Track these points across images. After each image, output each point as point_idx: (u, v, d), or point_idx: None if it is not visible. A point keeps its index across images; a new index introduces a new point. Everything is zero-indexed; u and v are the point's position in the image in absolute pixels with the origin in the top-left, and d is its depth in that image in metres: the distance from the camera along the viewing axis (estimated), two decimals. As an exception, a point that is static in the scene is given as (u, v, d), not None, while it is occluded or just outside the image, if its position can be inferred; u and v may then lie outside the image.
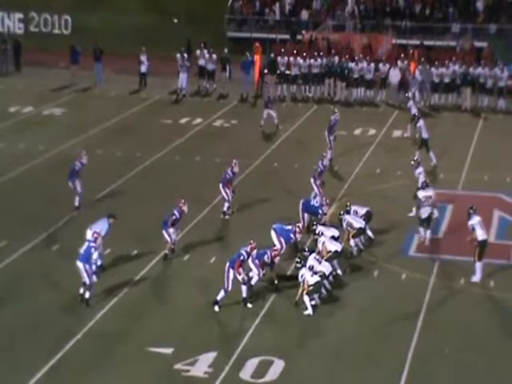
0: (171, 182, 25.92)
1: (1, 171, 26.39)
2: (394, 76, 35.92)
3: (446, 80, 35.73)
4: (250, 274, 18.53)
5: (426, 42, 40.13)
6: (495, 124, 33.36)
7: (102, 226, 19.64)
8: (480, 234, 19.54)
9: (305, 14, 43.82)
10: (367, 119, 33.18)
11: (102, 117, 32.82)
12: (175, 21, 45.16)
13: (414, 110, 30.10)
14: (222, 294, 18.17)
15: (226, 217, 23.20)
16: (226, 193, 23.01)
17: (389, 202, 24.17)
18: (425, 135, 27.72)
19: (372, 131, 31.78)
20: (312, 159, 26.31)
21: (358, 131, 31.64)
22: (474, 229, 19.58)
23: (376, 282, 19.75)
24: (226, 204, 23.16)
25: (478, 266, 19.62)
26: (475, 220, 19.63)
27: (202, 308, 18.33)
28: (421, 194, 21.67)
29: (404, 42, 40.65)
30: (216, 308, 18.12)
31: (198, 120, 33.00)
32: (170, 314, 18.16)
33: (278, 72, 36.93)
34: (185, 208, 20.60)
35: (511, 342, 17.39)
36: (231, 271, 18.13)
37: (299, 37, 41.34)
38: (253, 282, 18.54)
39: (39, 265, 20.28)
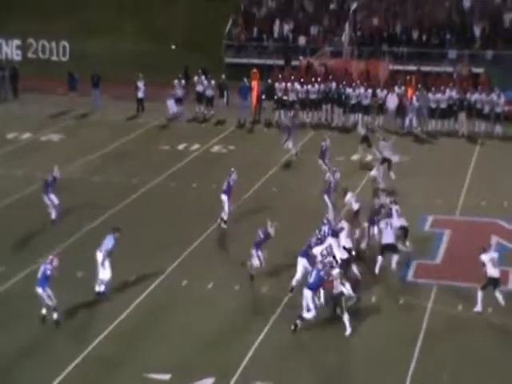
0: (168, 208, 26.10)
1: (-2, 197, 26.59)
2: (392, 102, 36.28)
3: (443, 106, 36.09)
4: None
5: (423, 68, 40.53)
6: (492, 150, 33.64)
7: (108, 242, 19.91)
8: (489, 271, 19.57)
9: (302, 40, 44.27)
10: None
11: (99, 143, 33.07)
12: (173, 47, 45.58)
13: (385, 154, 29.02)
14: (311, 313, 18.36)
15: (224, 226, 23.88)
16: (228, 203, 24.01)
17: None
18: (387, 155, 28.38)
19: (369, 156, 32.01)
20: (309, 184, 26.56)
21: (355, 156, 31.87)
22: (484, 264, 19.65)
23: (374, 306, 19.86)
24: (226, 213, 23.98)
25: (480, 295, 19.69)
26: (488, 256, 19.64)
27: (201, 333, 18.43)
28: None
29: (401, 67, 41.02)
30: (296, 324, 18.26)
31: (196, 146, 33.25)
32: (169, 339, 18.24)
33: (276, 98, 37.28)
34: (271, 230, 20.81)
35: (510, 368, 17.50)
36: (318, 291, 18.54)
37: (296, 62, 41.73)
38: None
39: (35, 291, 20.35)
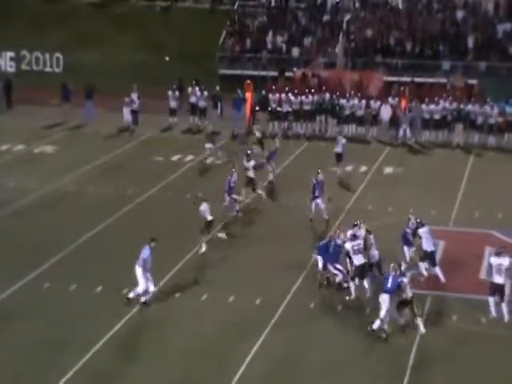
0: (163, 218, 26.10)
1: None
2: (385, 113, 36.40)
3: (437, 117, 36.22)
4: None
5: (417, 79, 40.67)
6: (485, 161, 33.75)
7: (144, 253, 20.11)
8: (494, 276, 19.74)
9: (296, 51, 44.41)
10: (358, 156, 33.52)
11: (93, 154, 33.07)
12: (167, 58, 45.67)
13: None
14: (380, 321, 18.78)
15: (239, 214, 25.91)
16: (233, 199, 25.81)
17: (380, 240, 24.33)
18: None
19: (363, 168, 32.09)
20: (302, 196, 26.59)
21: (349, 167, 31.93)
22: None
23: (368, 318, 19.88)
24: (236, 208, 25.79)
25: (490, 300, 19.89)
26: (495, 261, 19.78)
27: (193, 349, 18.42)
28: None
29: (395, 79, 41.14)
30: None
31: (190, 157, 33.29)
32: (159, 356, 18.22)
33: (270, 109, 37.36)
34: (338, 240, 21.03)
35: (503, 379, 17.52)
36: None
37: (289, 74, 41.85)
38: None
39: (29, 302, 20.32)
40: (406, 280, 19.03)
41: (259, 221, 26.17)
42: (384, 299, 18.88)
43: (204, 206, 23.83)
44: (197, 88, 37.86)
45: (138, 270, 20.14)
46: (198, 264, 22.77)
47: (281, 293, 20.87)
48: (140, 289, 20.14)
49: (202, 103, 37.77)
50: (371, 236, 21.51)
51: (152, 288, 20.26)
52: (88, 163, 32.03)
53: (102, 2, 49.99)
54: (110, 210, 26.64)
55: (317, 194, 25.60)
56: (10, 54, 47.18)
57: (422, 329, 18.95)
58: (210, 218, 23.75)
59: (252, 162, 27.94)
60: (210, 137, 33.36)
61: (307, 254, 22.45)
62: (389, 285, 18.94)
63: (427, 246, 21.74)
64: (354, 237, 21.05)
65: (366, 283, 20.88)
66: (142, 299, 20.22)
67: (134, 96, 37.70)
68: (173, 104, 37.84)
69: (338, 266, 20.94)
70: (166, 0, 50.21)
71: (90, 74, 40.89)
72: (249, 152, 28.72)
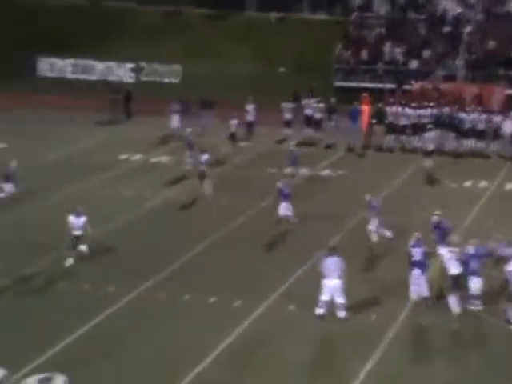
0: (275, 231, 26.19)
1: (108, 218, 27.18)
2: (508, 127, 35.50)
3: None
4: None
5: (541, 93, 39.57)
6: None
7: (340, 265, 20.03)
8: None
9: (414, 64, 43.88)
10: (478, 171, 32.76)
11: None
12: (282, 70, 45.93)
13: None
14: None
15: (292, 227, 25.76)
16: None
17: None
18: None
19: (483, 183, 31.35)
20: (418, 213, 26.08)
21: (468, 183, 31.26)
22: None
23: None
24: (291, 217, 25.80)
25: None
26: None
27: (307, 362, 18.37)
28: None
29: (518, 92, 40.16)
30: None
31: (304, 170, 33.30)
32: (272, 368, 18.23)
33: (387, 122, 37.03)
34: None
35: None
36: None
37: (407, 86, 41.38)
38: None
39: (143, 314, 20.76)
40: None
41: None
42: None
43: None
44: (312, 100, 37.89)
45: (338, 283, 19.74)
46: (312, 278, 22.69)
47: (396, 309, 20.59)
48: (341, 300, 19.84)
49: (317, 115, 37.76)
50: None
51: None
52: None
53: (218, 14, 50.79)
54: (223, 222, 26.90)
55: None
56: (130, 65, 48.48)
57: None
58: None
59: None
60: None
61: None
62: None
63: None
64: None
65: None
66: (341, 315, 19.91)
67: (250, 107, 38.05)
68: (287, 116, 37.97)
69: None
70: (281, 11, 50.51)
71: (206, 84, 41.53)
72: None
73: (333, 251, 20.20)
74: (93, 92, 43.83)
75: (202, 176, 29.62)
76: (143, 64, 48.32)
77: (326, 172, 33.13)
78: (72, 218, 23.40)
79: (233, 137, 36.56)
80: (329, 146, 36.80)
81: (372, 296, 21.43)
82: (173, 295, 21.41)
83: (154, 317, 20.35)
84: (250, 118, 38.18)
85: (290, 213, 25.99)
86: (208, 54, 47.20)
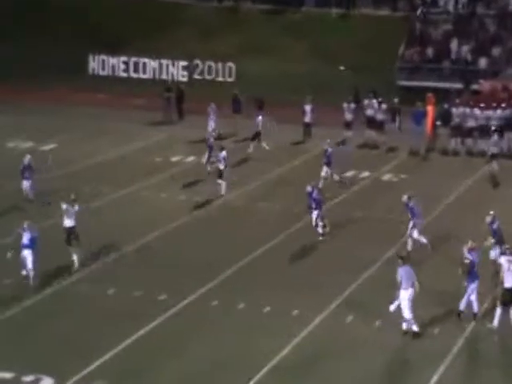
0: (333, 237, 26.12)
1: (162, 222, 27.36)
2: None
3: None
4: None
5: None
6: None
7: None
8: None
9: (483, 62, 43.35)
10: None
11: (262, 169, 33.41)
12: (342, 68, 45.73)
13: None
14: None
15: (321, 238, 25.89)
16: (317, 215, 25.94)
17: None
18: None
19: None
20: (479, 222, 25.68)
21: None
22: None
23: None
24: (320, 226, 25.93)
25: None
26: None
27: (366, 379, 18.25)
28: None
29: None
30: None
31: (365, 173, 33.07)
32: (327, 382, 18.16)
33: (452, 124, 36.61)
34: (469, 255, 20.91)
35: None
36: None
37: (475, 86, 40.88)
38: None
39: (197, 320, 20.84)
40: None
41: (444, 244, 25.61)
42: None
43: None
44: (374, 100, 37.64)
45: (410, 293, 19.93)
46: (369, 289, 22.58)
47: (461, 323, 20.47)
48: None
49: (379, 116, 37.47)
50: None
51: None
52: (258, 178, 32.38)
53: (275, 9, 50.76)
54: (279, 228, 26.91)
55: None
56: (183, 63, 48.76)
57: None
58: None
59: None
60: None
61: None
62: None
63: None
64: None
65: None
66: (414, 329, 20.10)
67: (308, 108, 37.93)
68: (348, 116, 37.77)
69: None
70: (340, 7, 50.26)
71: (261, 83, 41.49)
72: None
73: (404, 260, 20.29)
74: (145, 91, 44.17)
75: (219, 174, 29.96)
76: (197, 62, 48.54)
77: (388, 176, 32.88)
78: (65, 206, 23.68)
79: (257, 136, 36.32)
80: (391, 149, 36.54)
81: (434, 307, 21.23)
82: (227, 303, 21.49)
83: (207, 324, 20.47)
84: (306, 119, 38.05)
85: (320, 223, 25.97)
86: (264, 51, 47.13)
